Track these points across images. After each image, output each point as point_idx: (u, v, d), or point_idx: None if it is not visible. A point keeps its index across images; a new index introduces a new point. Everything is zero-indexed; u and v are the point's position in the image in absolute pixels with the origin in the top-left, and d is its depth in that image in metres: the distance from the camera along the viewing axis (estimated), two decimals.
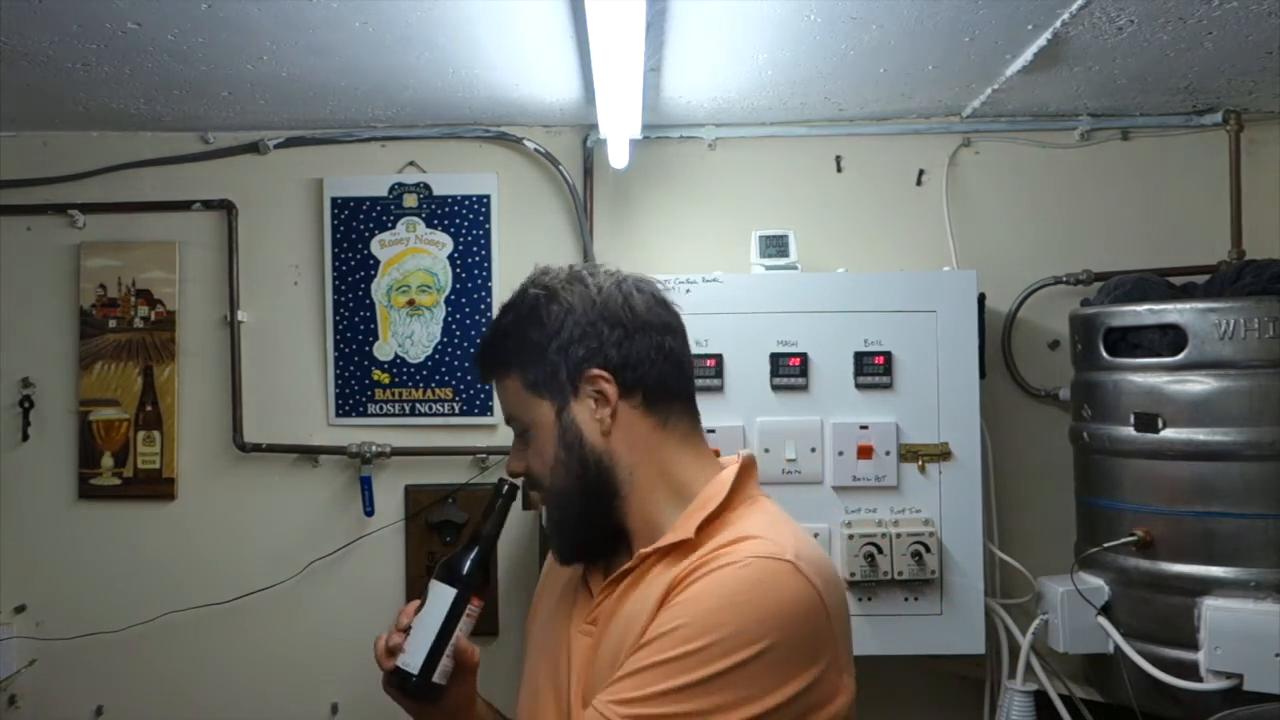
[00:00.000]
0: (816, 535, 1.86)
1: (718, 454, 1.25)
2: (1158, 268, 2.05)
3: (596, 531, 1.19)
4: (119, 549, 2.24)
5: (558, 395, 1.16)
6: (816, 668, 1.05)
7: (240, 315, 2.23)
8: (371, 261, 2.24)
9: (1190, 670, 1.67)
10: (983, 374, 1.94)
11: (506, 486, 1.22)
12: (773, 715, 1.01)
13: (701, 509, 1.14)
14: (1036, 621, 1.86)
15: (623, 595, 1.14)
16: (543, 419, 1.17)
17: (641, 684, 1.02)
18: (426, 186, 2.24)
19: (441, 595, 1.18)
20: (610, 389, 1.14)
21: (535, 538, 2.16)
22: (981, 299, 1.96)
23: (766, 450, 1.88)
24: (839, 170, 2.23)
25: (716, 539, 1.11)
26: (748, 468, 1.20)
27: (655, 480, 1.17)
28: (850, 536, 1.84)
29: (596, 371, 1.14)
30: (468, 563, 1.20)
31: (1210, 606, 1.66)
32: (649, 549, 1.13)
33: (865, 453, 1.87)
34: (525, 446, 1.20)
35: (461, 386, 2.23)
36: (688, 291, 1.90)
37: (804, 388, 1.89)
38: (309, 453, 2.23)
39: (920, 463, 1.88)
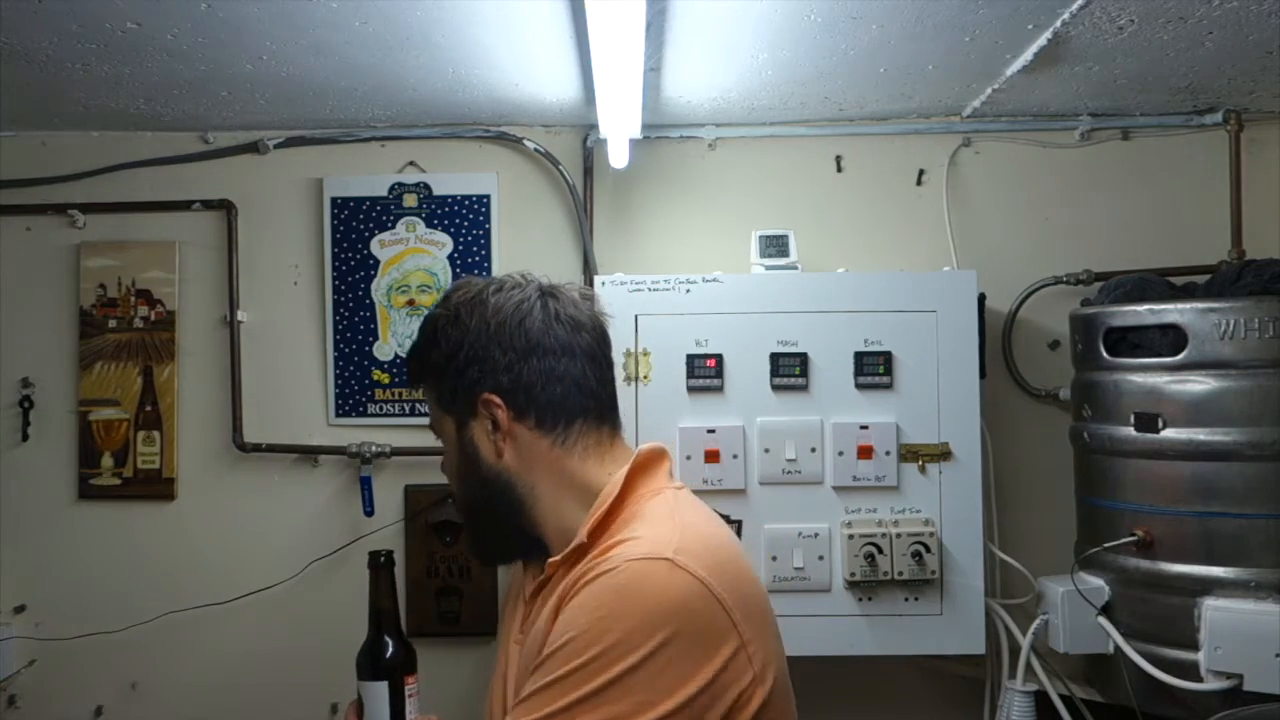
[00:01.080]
0: (816, 535, 1.86)
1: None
2: (1158, 268, 2.04)
3: (507, 537, 1.24)
4: (119, 549, 2.24)
5: (459, 413, 1.22)
6: (718, 659, 1.02)
7: (240, 315, 2.23)
8: (371, 261, 2.24)
9: (1190, 670, 1.67)
10: (983, 374, 1.94)
11: (383, 557, 1.29)
12: (678, 715, 0.99)
13: (597, 510, 1.16)
14: (1037, 621, 1.86)
15: (540, 606, 1.17)
16: (449, 433, 1.24)
17: (539, 705, 1.01)
18: (426, 186, 2.24)
19: (376, 693, 1.26)
20: (501, 414, 1.19)
21: None
22: (981, 299, 1.96)
23: (766, 450, 1.88)
24: (839, 170, 2.23)
25: (602, 542, 1.12)
26: (643, 465, 1.21)
27: (560, 491, 1.20)
28: (850, 536, 1.84)
29: (488, 395, 1.19)
30: (384, 649, 1.27)
31: (1210, 606, 1.66)
32: (555, 558, 1.16)
33: (865, 453, 1.87)
34: (445, 455, 1.28)
35: None
36: (688, 291, 1.90)
37: (804, 388, 1.89)
38: (309, 453, 2.23)
39: (920, 463, 1.88)
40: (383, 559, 1.26)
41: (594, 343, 1.24)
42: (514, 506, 1.20)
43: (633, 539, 1.09)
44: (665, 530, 1.10)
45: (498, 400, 1.19)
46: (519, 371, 1.19)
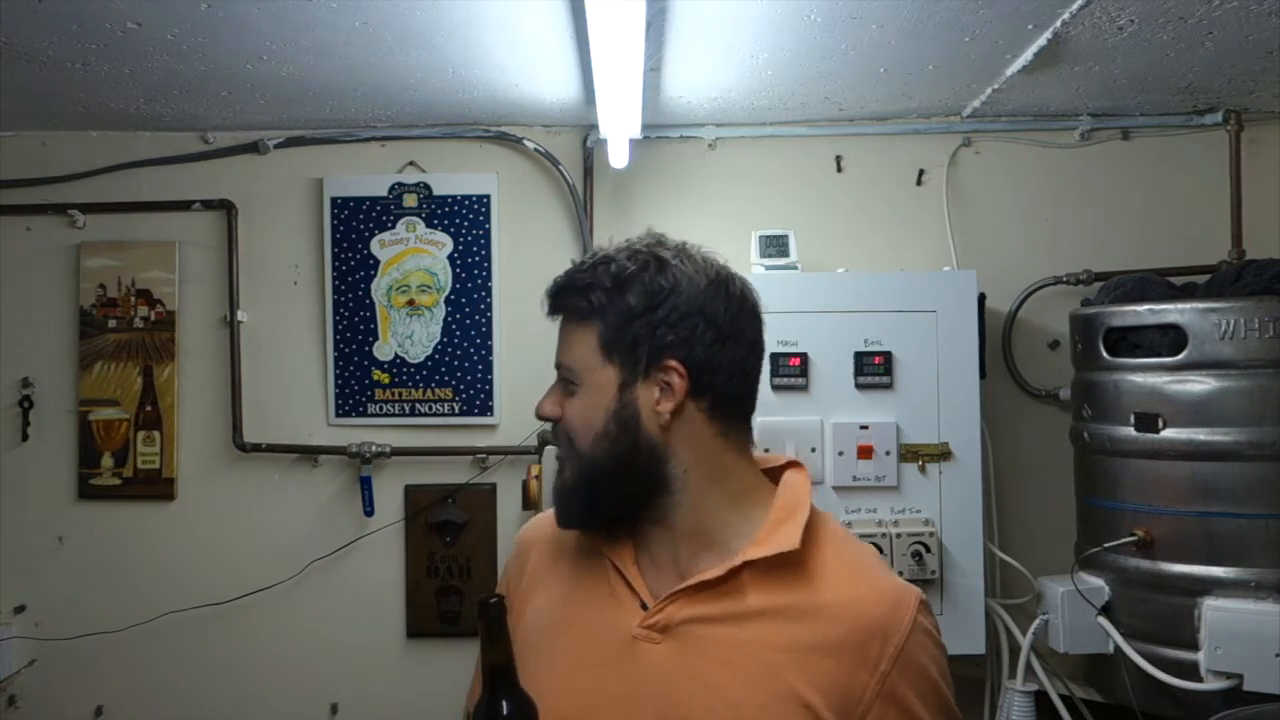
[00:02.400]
0: None
1: None
2: (1158, 268, 2.04)
3: (618, 507, 1.13)
4: (119, 549, 2.24)
5: (628, 369, 1.09)
6: None
7: (240, 315, 2.23)
8: (371, 261, 2.24)
9: (1190, 670, 1.67)
10: (983, 374, 1.94)
11: (493, 599, 1.07)
12: None
13: (792, 518, 1.10)
14: (1037, 621, 1.86)
15: (712, 605, 1.08)
16: (602, 384, 1.10)
17: None
18: (426, 186, 2.23)
19: None
20: (681, 384, 1.08)
21: None
22: (981, 299, 1.96)
23: (766, 450, 1.87)
24: (839, 170, 2.23)
25: (827, 553, 1.10)
26: (805, 471, 1.19)
27: (712, 485, 1.12)
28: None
29: (674, 363, 1.08)
30: (503, 706, 1.08)
31: (1210, 606, 1.66)
32: (739, 561, 1.07)
33: (865, 453, 1.87)
34: (567, 396, 1.13)
35: (461, 387, 2.23)
36: None
37: (804, 388, 1.89)
38: (309, 453, 2.23)
39: (920, 463, 1.88)
40: (493, 602, 1.06)
41: (762, 337, 1.17)
42: (654, 482, 1.10)
43: (891, 576, 1.13)
44: (886, 566, 1.17)
45: (683, 372, 1.08)
46: (715, 352, 1.09)
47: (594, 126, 2.17)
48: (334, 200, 2.24)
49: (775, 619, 1.07)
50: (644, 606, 1.11)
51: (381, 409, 2.23)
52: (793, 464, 1.19)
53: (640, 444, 1.09)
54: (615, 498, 1.12)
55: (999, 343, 2.17)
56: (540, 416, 1.15)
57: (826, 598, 1.07)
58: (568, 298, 1.13)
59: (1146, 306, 1.78)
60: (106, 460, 2.24)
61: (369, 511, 2.20)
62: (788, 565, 1.08)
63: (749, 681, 1.04)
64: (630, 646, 1.09)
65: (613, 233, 2.20)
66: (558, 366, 1.14)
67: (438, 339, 2.23)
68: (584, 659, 1.12)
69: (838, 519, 1.19)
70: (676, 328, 1.08)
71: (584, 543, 1.20)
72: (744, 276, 1.16)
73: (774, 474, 1.19)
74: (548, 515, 1.28)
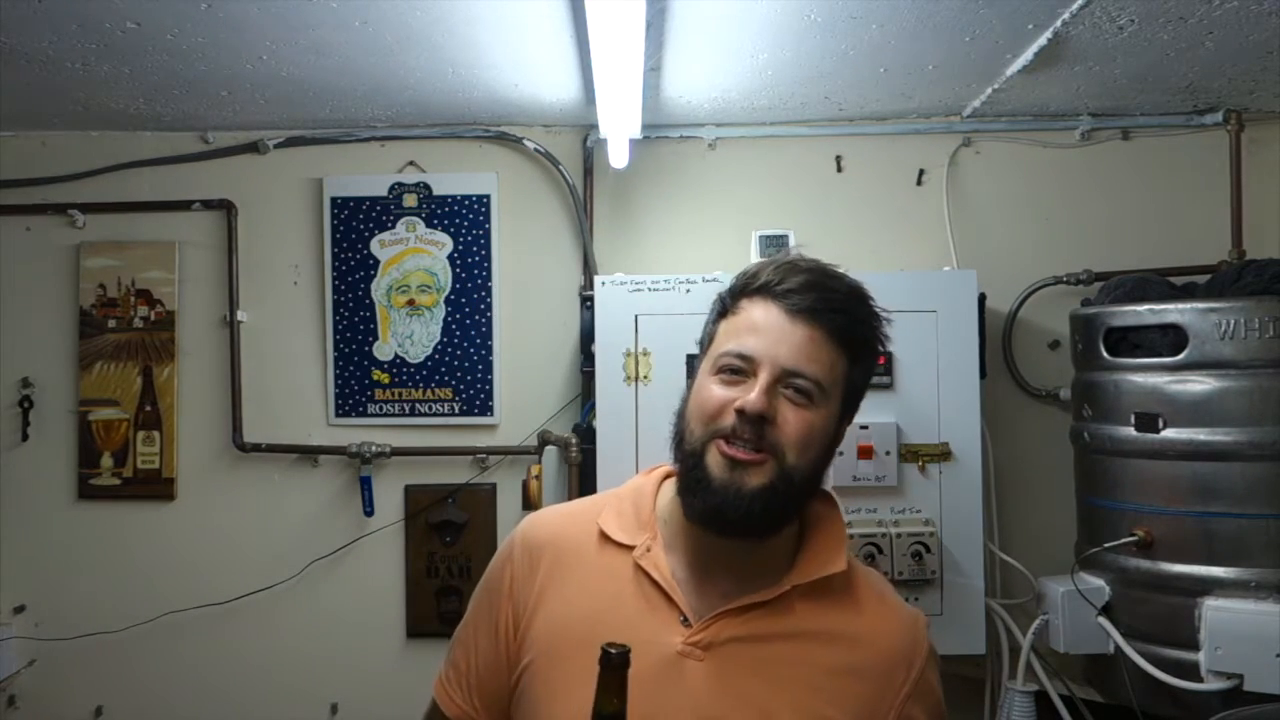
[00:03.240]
0: None
1: None
2: (1158, 268, 2.04)
3: (780, 527, 1.12)
4: (119, 549, 2.24)
5: (846, 408, 1.13)
6: None
7: (240, 315, 2.23)
8: (371, 261, 2.24)
9: (1190, 670, 1.67)
10: (983, 374, 1.94)
11: (614, 650, 1.01)
12: None
13: (840, 542, 1.13)
14: (1037, 622, 1.86)
15: (758, 624, 1.08)
16: (829, 411, 1.09)
17: None
18: (426, 186, 2.23)
19: None
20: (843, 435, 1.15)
21: None
22: (981, 299, 1.96)
23: None
24: (839, 170, 2.23)
25: (859, 578, 1.15)
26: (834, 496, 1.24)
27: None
28: (850, 537, 1.83)
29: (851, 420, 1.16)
30: None
31: (1210, 607, 1.66)
32: (789, 585, 1.09)
33: (865, 453, 1.87)
34: (788, 404, 1.07)
35: (461, 387, 2.23)
36: (688, 292, 1.90)
37: None
38: (309, 453, 2.23)
39: (920, 463, 1.88)
40: (615, 655, 1.00)
41: None
42: (802, 503, 1.14)
43: (901, 601, 1.17)
44: (894, 591, 1.20)
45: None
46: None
47: (594, 126, 2.17)
48: (334, 200, 2.24)
49: (818, 641, 1.09)
50: (686, 621, 1.09)
51: (381, 409, 2.23)
52: (823, 490, 1.20)
53: (820, 469, 1.12)
54: (791, 510, 1.12)
55: (999, 343, 2.17)
56: (750, 409, 1.05)
57: (863, 624, 1.11)
58: (849, 322, 1.10)
59: (1147, 306, 1.78)
60: (106, 460, 2.24)
61: (369, 511, 2.20)
62: (831, 589, 1.11)
63: (794, 703, 1.06)
64: (674, 663, 1.07)
65: (613, 232, 2.22)
66: (796, 373, 1.07)
67: (438, 339, 2.23)
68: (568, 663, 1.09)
69: None
70: (871, 370, 1.16)
71: (606, 548, 1.17)
72: None
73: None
74: (550, 512, 1.27)
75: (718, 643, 1.08)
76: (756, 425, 1.05)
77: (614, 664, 0.99)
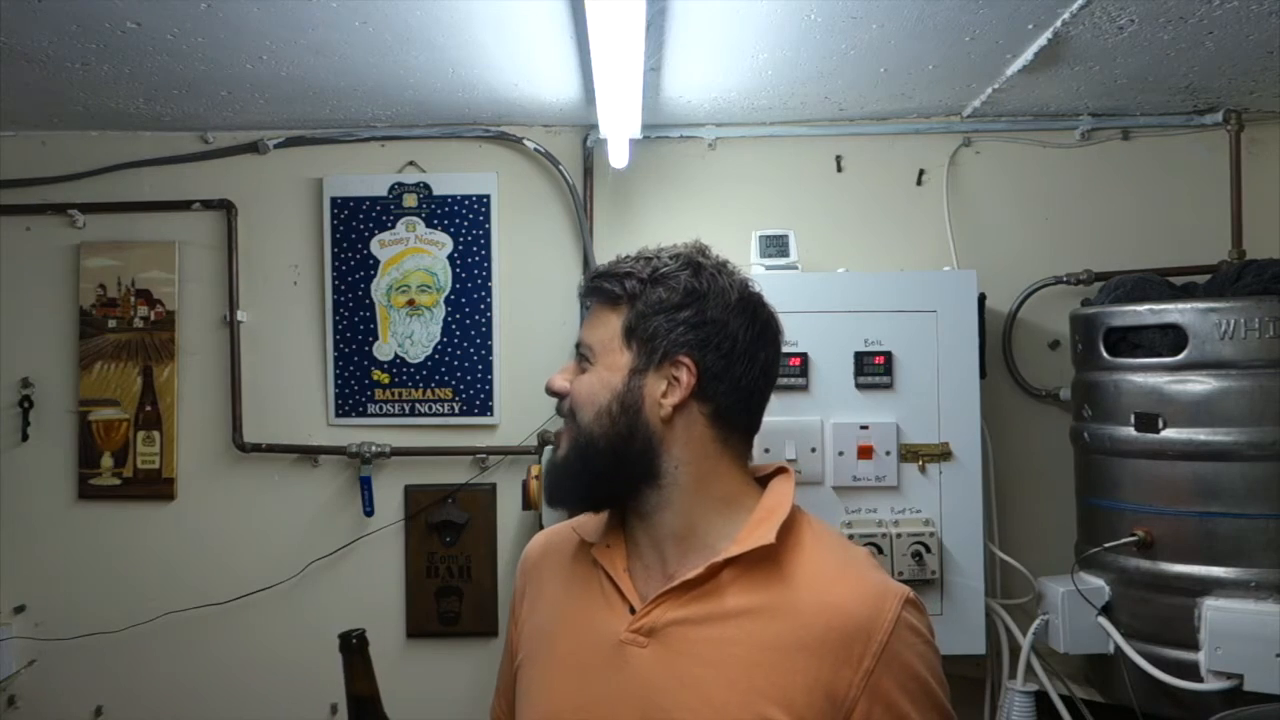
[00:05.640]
0: None
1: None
2: (1158, 268, 2.04)
3: (604, 490, 1.16)
4: (119, 549, 2.24)
5: (643, 356, 1.14)
6: None
7: (240, 315, 2.23)
8: (371, 261, 2.24)
9: (1190, 670, 1.67)
10: (983, 374, 1.94)
11: (355, 639, 1.11)
12: None
13: (771, 516, 1.12)
14: (1037, 622, 1.86)
15: (694, 606, 1.10)
16: (614, 365, 1.14)
17: None
18: (426, 186, 2.23)
19: None
20: (688, 381, 1.12)
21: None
22: (981, 299, 1.96)
23: (766, 450, 1.88)
24: (839, 170, 2.23)
25: (805, 552, 1.12)
26: (791, 475, 1.21)
27: (703, 488, 1.15)
28: (850, 536, 1.83)
29: (687, 361, 1.13)
30: None
31: (1210, 607, 1.66)
32: (721, 559, 1.10)
33: (865, 453, 1.87)
34: (579, 374, 1.17)
35: (461, 387, 2.23)
36: None
37: (804, 388, 1.89)
38: (309, 453, 2.23)
39: (920, 463, 1.88)
40: (355, 640, 1.09)
41: (777, 364, 1.22)
42: (645, 473, 1.13)
43: (877, 575, 1.13)
44: (875, 565, 1.18)
45: (693, 371, 1.12)
46: (728, 364, 1.14)
47: (594, 126, 2.17)
48: (334, 200, 2.24)
49: (755, 618, 1.08)
50: (633, 611, 1.12)
51: (381, 409, 2.23)
52: (781, 470, 1.21)
53: (638, 430, 1.13)
54: (605, 478, 1.15)
55: (999, 343, 2.17)
56: (549, 390, 1.19)
57: (805, 596, 1.09)
58: (604, 281, 1.18)
59: (1146, 306, 1.78)
60: (106, 460, 2.24)
61: (369, 511, 2.20)
62: (767, 565, 1.10)
63: (732, 682, 1.06)
64: (618, 651, 1.11)
65: (613, 232, 2.22)
66: (578, 346, 1.19)
67: (438, 339, 2.23)
68: (573, 666, 1.15)
69: (829, 523, 1.20)
70: (697, 329, 1.13)
71: (579, 552, 1.23)
72: (775, 309, 1.20)
73: (765, 481, 1.21)
74: (548, 531, 1.33)
75: (660, 627, 1.10)
76: (560, 403, 1.19)
77: (351, 647, 1.09)
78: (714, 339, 1.13)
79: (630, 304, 1.15)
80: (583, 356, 1.18)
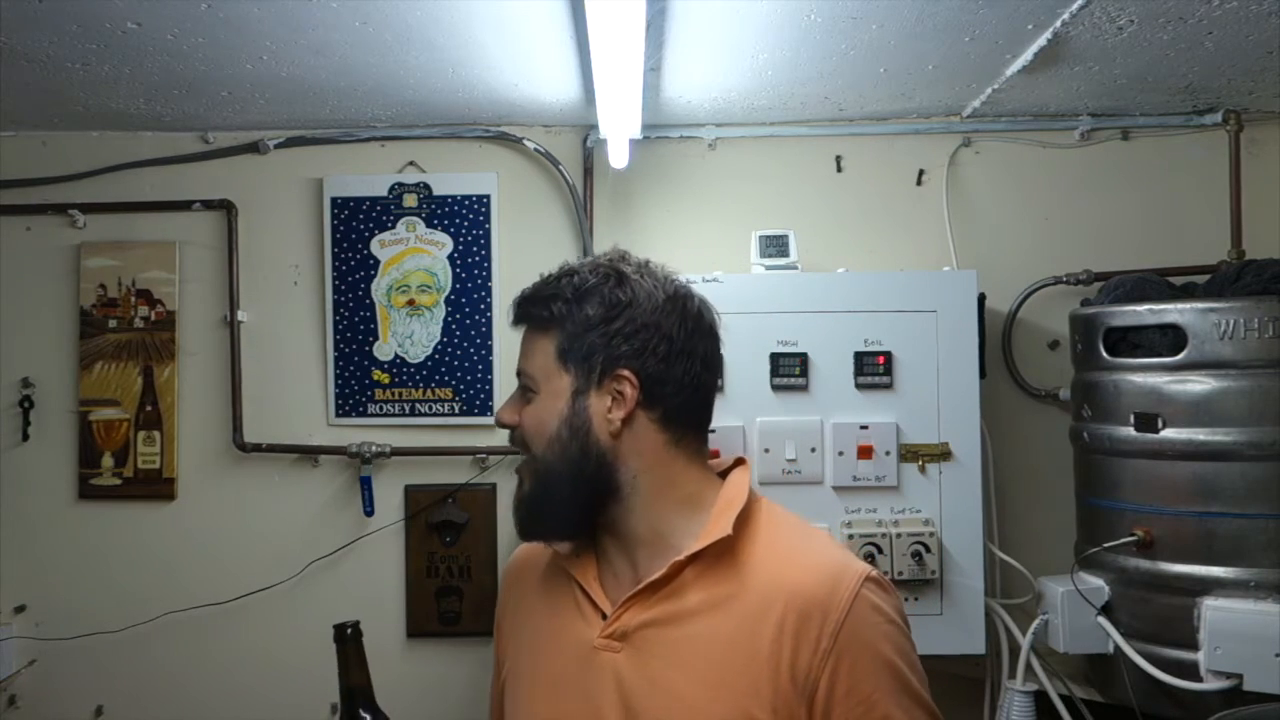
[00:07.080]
0: None
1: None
2: (1158, 268, 2.04)
3: (573, 516, 1.16)
4: (119, 549, 2.24)
5: (582, 377, 1.13)
6: None
7: (240, 315, 2.23)
8: (371, 261, 2.24)
9: (1190, 670, 1.67)
10: (983, 374, 1.94)
11: (350, 629, 1.13)
12: None
13: (729, 508, 1.13)
14: (1037, 621, 1.86)
15: (660, 607, 1.10)
16: (556, 390, 1.14)
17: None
18: (426, 186, 2.24)
19: None
20: (632, 394, 1.12)
21: None
22: (981, 299, 1.96)
23: (766, 450, 1.88)
24: (839, 170, 2.23)
25: (761, 539, 1.11)
26: (749, 466, 1.22)
27: (663, 491, 1.15)
28: (850, 536, 1.84)
29: (627, 374, 1.12)
30: None
31: (1210, 606, 1.66)
32: (683, 556, 1.10)
33: (865, 453, 1.87)
34: (525, 404, 1.17)
35: (461, 387, 2.23)
36: None
37: (804, 388, 1.89)
38: (309, 453, 2.23)
39: (920, 463, 1.88)
40: (349, 631, 1.11)
41: (718, 353, 1.22)
42: (605, 489, 1.13)
43: (836, 554, 1.12)
44: (837, 546, 1.19)
45: (635, 382, 1.12)
46: (668, 365, 1.13)
47: (594, 126, 2.17)
48: (334, 200, 2.24)
49: (716, 612, 1.08)
50: (604, 617, 1.14)
51: (381, 409, 2.23)
52: (740, 461, 1.21)
53: (590, 450, 1.13)
54: (568, 503, 1.15)
55: (999, 343, 2.17)
56: (499, 423, 1.20)
57: (759, 581, 1.09)
58: (531, 307, 1.18)
59: (1146, 306, 1.78)
60: (107, 460, 2.24)
61: (369, 511, 2.20)
62: (725, 557, 1.10)
63: (702, 680, 1.06)
64: (594, 657, 1.12)
65: (613, 232, 2.22)
66: (519, 375, 1.19)
67: (438, 339, 2.23)
68: (552, 677, 1.16)
69: (781, 505, 1.19)
70: (631, 339, 1.12)
71: (554, 565, 1.24)
72: (703, 296, 1.20)
73: (727, 475, 1.21)
74: (527, 547, 1.32)
75: (631, 630, 1.11)
76: (513, 434, 1.19)
77: (345, 638, 1.10)
78: (649, 345, 1.13)
79: (560, 326, 1.14)
80: (525, 386, 1.18)
